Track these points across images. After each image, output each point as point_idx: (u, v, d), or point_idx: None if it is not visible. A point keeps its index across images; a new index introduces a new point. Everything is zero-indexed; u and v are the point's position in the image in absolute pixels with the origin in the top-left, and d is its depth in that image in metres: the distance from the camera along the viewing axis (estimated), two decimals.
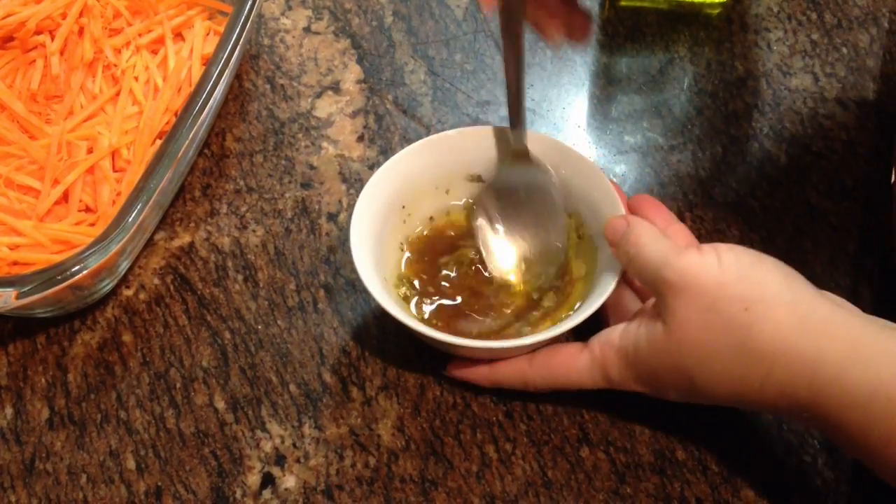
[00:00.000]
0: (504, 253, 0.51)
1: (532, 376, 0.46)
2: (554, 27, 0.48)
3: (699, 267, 0.41)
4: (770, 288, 0.41)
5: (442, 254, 0.51)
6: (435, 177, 0.52)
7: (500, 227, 0.51)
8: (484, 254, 0.51)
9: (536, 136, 0.51)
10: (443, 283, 0.50)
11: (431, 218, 0.53)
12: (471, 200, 0.53)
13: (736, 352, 0.40)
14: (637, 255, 0.44)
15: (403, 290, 0.50)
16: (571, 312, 0.48)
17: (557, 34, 0.48)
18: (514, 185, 0.51)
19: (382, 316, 0.52)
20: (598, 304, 0.45)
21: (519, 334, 0.48)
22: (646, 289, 0.46)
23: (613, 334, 0.45)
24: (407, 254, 0.51)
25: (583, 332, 0.46)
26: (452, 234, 0.52)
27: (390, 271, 0.50)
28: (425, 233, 0.52)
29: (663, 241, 0.44)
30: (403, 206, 0.51)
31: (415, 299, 0.50)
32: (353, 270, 0.53)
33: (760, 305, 0.40)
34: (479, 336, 0.48)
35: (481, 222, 0.51)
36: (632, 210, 0.50)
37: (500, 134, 0.52)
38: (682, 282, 0.41)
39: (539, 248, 0.51)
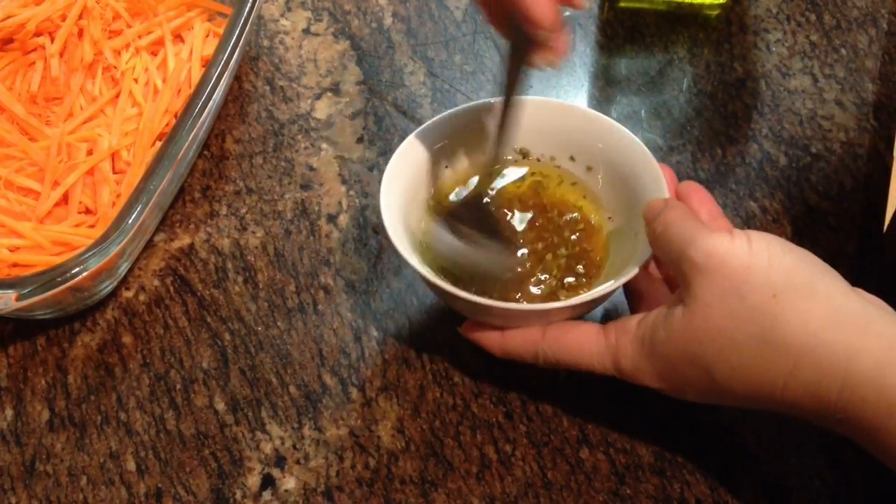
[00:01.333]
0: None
1: (543, 349, 0.44)
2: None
3: (727, 249, 0.39)
4: (801, 277, 0.38)
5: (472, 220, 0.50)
6: (480, 143, 0.51)
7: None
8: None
9: (591, 115, 0.50)
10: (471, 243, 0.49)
11: (469, 183, 0.52)
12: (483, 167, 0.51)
13: (759, 342, 0.37)
14: (664, 232, 0.42)
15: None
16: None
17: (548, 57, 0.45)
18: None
19: (383, 317, 0.52)
20: (619, 283, 0.44)
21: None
22: (670, 270, 0.44)
23: (631, 322, 0.43)
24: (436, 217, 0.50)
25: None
26: (486, 200, 0.51)
27: (418, 224, 0.50)
28: (462, 195, 0.51)
29: (693, 220, 0.41)
30: (446, 166, 0.51)
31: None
32: (353, 271, 0.54)
33: (790, 294, 0.37)
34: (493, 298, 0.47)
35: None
36: (679, 197, 0.47)
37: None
38: (708, 263, 0.39)
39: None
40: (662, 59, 0.63)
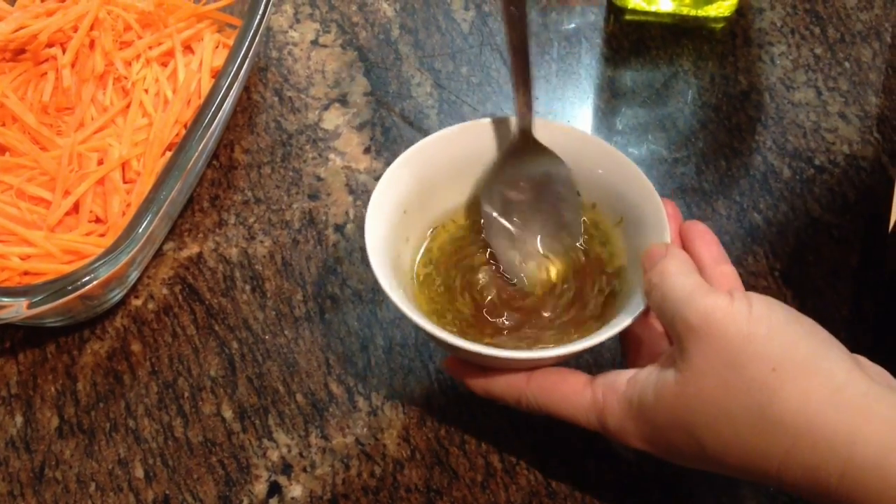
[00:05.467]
0: (516, 250, 0.49)
1: (527, 395, 0.43)
2: None
3: (726, 313, 0.37)
4: (803, 351, 0.36)
5: (455, 255, 0.50)
6: (446, 175, 0.50)
7: (508, 222, 0.49)
8: (493, 251, 0.49)
9: (590, 140, 0.48)
10: (456, 282, 0.49)
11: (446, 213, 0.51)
12: (474, 196, 0.51)
13: (755, 418, 0.35)
14: (660, 286, 0.39)
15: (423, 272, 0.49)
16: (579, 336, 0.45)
17: None
18: (523, 176, 0.49)
19: (389, 326, 0.53)
20: (609, 334, 0.41)
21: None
22: (664, 328, 0.42)
23: (620, 380, 0.41)
24: (422, 249, 0.50)
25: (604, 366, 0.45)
26: (463, 234, 0.51)
27: (406, 266, 0.49)
28: (438, 231, 0.51)
29: (693, 276, 0.39)
30: (405, 212, 0.49)
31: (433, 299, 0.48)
32: (360, 280, 0.54)
33: (790, 368, 0.35)
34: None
35: (489, 216, 0.49)
36: (682, 236, 0.45)
37: (503, 124, 0.49)
38: (705, 327, 0.37)
39: (553, 244, 0.49)
40: (667, 72, 0.63)
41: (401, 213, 0.48)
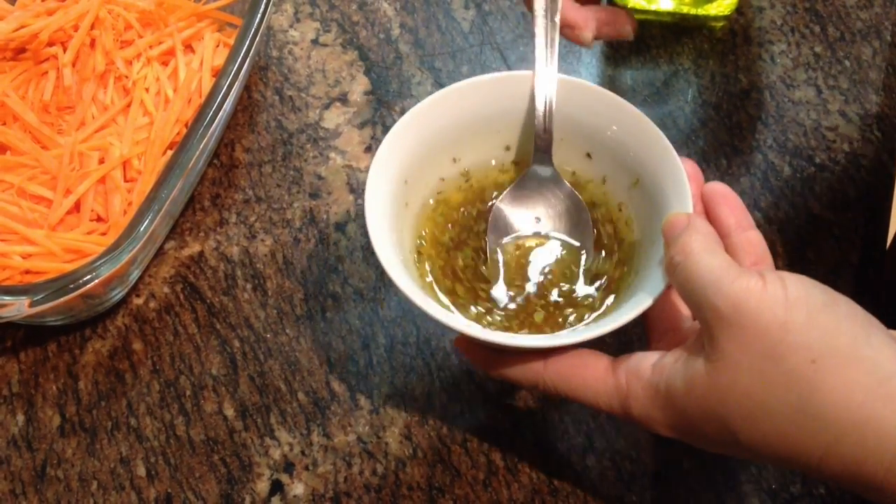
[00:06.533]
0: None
1: (546, 380, 0.41)
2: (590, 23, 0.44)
3: (759, 299, 0.34)
4: (844, 338, 0.34)
5: (459, 227, 0.48)
6: (445, 140, 0.48)
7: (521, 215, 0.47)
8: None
9: (619, 104, 0.46)
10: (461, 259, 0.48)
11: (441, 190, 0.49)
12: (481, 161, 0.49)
13: (795, 412, 0.33)
14: (683, 266, 0.37)
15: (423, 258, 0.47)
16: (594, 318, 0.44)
17: (591, 31, 0.44)
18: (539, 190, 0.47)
19: (391, 324, 0.53)
20: (630, 317, 0.39)
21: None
22: (690, 311, 0.40)
23: (644, 364, 0.38)
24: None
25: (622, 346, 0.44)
26: (466, 209, 0.49)
27: (409, 241, 0.47)
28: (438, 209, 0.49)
29: (720, 255, 0.36)
30: (406, 182, 0.47)
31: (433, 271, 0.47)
32: (362, 279, 0.54)
33: (832, 359, 0.33)
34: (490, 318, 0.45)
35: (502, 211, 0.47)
36: (704, 200, 0.42)
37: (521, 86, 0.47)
38: (736, 314, 0.34)
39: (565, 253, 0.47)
40: (668, 71, 0.63)
41: (402, 184, 0.46)
